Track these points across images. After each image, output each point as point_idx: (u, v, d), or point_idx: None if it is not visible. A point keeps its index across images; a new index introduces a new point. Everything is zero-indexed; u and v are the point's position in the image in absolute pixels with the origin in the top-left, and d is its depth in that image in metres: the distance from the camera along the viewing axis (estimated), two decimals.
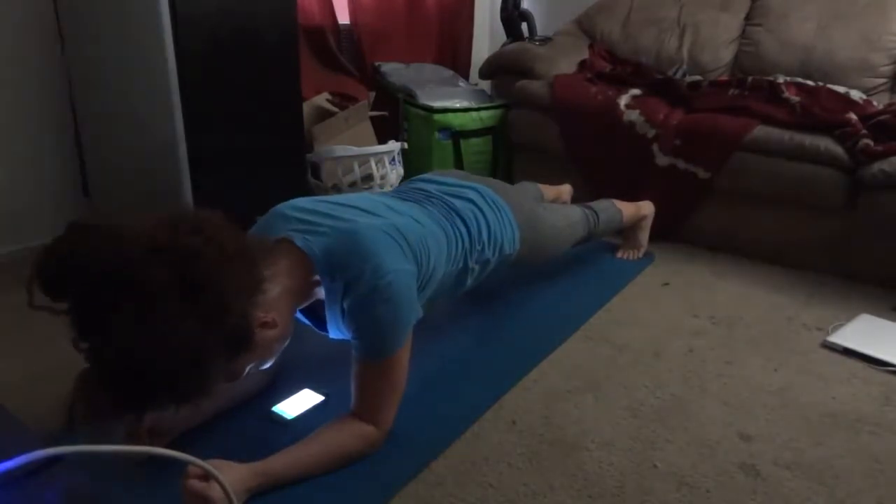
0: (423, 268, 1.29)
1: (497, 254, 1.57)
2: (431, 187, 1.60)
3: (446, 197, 1.55)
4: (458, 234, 1.46)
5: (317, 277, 1.20)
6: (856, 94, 2.32)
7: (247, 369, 1.11)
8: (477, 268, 1.53)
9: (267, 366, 1.17)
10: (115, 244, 0.91)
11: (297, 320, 1.32)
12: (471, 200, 1.57)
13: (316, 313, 1.30)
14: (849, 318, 1.85)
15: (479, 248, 1.51)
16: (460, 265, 1.47)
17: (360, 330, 1.19)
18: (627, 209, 2.14)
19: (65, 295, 0.89)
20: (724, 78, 2.66)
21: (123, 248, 0.91)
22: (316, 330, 1.35)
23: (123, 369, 0.89)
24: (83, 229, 0.92)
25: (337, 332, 1.27)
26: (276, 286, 1.12)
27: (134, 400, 0.92)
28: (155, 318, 0.89)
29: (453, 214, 1.50)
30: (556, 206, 2.02)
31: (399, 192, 1.59)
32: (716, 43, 2.81)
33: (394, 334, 1.19)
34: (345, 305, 1.18)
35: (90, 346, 0.91)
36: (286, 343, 1.18)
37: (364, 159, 2.48)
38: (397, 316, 1.18)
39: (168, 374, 0.91)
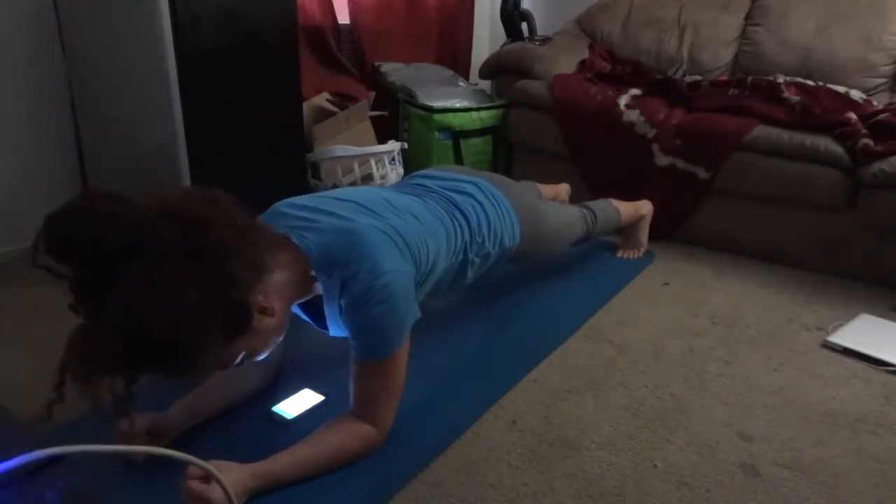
0: (422, 267, 1.29)
1: (497, 247, 1.57)
2: (431, 182, 1.60)
3: (446, 191, 1.55)
4: (457, 226, 1.46)
5: (313, 274, 1.20)
6: (856, 94, 2.32)
7: (239, 357, 1.10)
8: (478, 260, 1.53)
9: (260, 358, 1.17)
10: (127, 206, 0.91)
11: (298, 317, 1.32)
12: (470, 195, 1.57)
13: (316, 310, 1.30)
14: (849, 318, 1.85)
15: (479, 240, 1.51)
16: (461, 258, 1.47)
17: (357, 330, 1.19)
18: (626, 209, 2.15)
19: (71, 255, 0.89)
20: (724, 78, 2.66)
21: (134, 210, 0.91)
22: (316, 327, 1.35)
23: (123, 324, 0.89)
24: (94, 194, 0.92)
25: (337, 329, 1.27)
26: (277, 276, 1.12)
27: (128, 358, 0.91)
28: (160, 279, 0.89)
29: (453, 207, 1.50)
30: (555, 204, 2.02)
31: (398, 187, 1.59)
32: (716, 43, 2.81)
33: (391, 335, 1.19)
34: (342, 303, 1.18)
35: (91, 304, 0.90)
36: (281, 337, 1.18)
37: (364, 159, 2.48)
38: (394, 316, 1.18)
39: (166, 335, 0.90)
